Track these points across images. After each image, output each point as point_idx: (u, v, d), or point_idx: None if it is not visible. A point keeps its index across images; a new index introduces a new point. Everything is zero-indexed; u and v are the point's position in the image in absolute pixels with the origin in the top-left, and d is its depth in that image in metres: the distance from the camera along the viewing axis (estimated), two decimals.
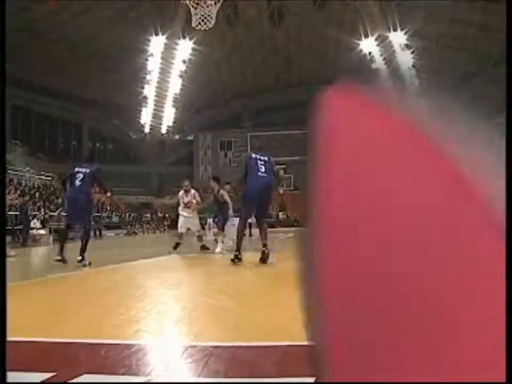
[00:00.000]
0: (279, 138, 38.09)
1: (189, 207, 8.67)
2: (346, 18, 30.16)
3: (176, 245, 8.18)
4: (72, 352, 1.98)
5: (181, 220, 8.75)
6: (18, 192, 18.77)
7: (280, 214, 29.36)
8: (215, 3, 3.51)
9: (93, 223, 22.80)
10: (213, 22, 3.67)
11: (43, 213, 18.99)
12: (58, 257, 6.39)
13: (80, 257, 6.27)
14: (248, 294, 3.66)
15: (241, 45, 31.16)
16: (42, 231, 16.97)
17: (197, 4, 3.52)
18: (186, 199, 8.71)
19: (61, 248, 6.47)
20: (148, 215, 30.37)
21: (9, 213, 15.70)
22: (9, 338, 2.10)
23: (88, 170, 6.61)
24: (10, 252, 8.60)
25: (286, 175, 37.40)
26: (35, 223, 16.77)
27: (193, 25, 3.82)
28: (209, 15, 3.65)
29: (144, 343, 2.08)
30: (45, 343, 2.11)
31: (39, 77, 30.64)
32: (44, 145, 33.95)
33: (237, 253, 5.55)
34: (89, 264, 6.28)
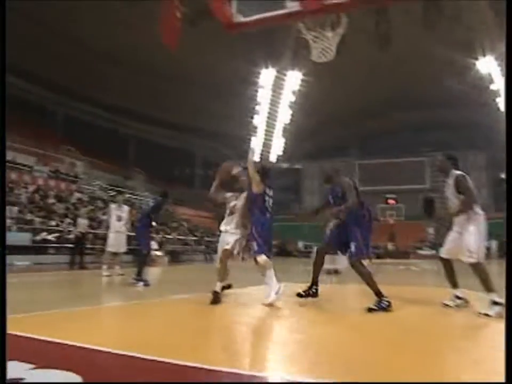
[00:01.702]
0: (387, 166, 36.89)
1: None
2: (460, 37, 28.59)
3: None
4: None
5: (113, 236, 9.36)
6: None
7: (389, 244, 28.08)
8: (333, 36, 3.57)
9: (203, 247, 23.55)
10: (333, 54, 3.72)
11: (161, 235, 20.38)
12: (138, 278, 7.39)
13: (134, 279, 7.37)
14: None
15: (349, 71, 31.00)
16: (159, 253, 18.15)
17: (316, 37, 3.62)
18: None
19: (140, 271, 7.48)
20: None
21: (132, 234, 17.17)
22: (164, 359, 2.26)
23: (151, 204, 8.98)
24: (118, 270, 9.42)
25: (396, 205, 36.06)
26: (153, 244, 17.97)
27: (313, 58, 3.91)
28: (329, 47, 3.72)
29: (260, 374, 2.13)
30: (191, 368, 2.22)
31: (158, 111, 33.54)
32: (161, 172, 36.71)
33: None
34: (146, 285, 7.23)
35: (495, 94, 29.13)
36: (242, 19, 3.06)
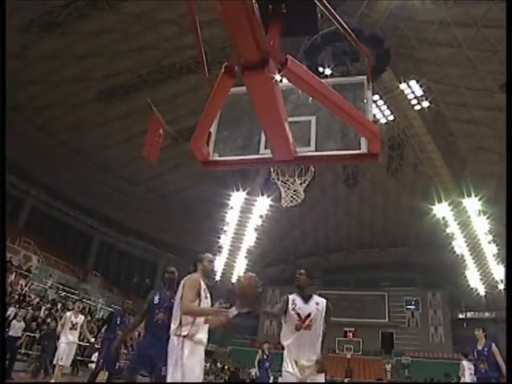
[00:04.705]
0: (348, 298, 36.94)
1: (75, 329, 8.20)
2: (418, 184, 31.13)
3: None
4: None
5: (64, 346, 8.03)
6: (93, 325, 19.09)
7: (346, 380, 26.86)
8: (301, 183, 4.06)
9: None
10: (302, 197, 4.18)
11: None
12: None
13: None
14: None
15: (317, 205, 32.64)
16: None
17: (285, 183, 4.08)
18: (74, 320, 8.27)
19: None
20: (207, 364, 28.79)
21: (80, 343, 15.91)
22: None
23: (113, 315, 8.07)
24: None
25: (354, 338, 35.35)
26: (96, 356, 16.22)
27: (283, 204, 4.39)
28: (298, 192, 4.19)
29: None
30: None
31: (131, 221, 33.70)
32: (119, 280, 35.47)
33: None
34: None
35: (451, 237, 30.78)
36: (218, 158, 3.43)
